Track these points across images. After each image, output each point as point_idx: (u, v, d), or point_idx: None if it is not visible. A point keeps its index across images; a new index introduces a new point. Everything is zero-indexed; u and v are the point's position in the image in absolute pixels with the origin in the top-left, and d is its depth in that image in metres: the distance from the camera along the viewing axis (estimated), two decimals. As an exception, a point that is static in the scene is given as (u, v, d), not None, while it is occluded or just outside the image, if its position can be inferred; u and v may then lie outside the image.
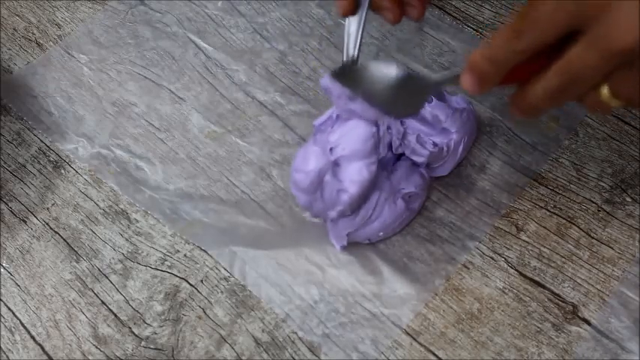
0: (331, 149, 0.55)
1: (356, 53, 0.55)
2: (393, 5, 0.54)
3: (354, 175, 0.54)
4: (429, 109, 0.60)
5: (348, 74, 0.52)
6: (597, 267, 0.57)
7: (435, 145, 0.59)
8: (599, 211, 0.60)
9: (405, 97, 0.50)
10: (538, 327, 0.55)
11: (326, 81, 0.55)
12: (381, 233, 0.58)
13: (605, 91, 0.44)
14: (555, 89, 0.45)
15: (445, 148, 0.59)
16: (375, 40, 0.70)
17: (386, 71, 0.50)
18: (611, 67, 0.43)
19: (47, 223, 0.61)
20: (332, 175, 0.55)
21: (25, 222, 0.61)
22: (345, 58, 0.55)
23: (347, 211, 0.56)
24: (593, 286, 0.56)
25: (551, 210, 0.60)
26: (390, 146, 0.59)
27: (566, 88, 0.44)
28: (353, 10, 0.54)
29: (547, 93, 0.45)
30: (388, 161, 0.59)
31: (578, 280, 0.57)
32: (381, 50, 0.70)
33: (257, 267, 0.58)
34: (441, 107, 0.60)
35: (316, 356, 0.54)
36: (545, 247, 0.58)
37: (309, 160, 0.55)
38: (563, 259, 0.58)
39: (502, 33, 0.44)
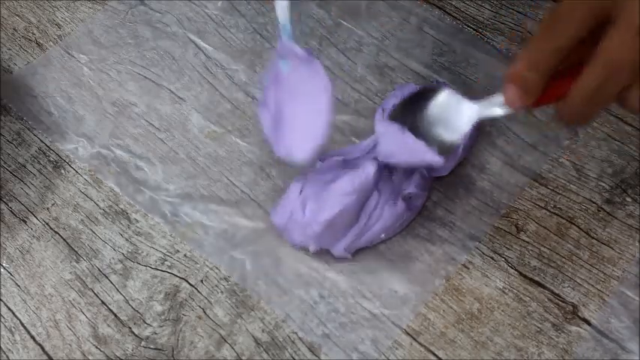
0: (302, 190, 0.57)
1: (287, 22, 0.55)
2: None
3: (319, 213, 0.56)
4: None
5: (401, 108, 0.55)
6: (597, 267, 0.57)
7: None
8: (599, 211, 0.60)
9: (451, 121, 0.52)
10: (538, 327, 0.55)
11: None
12: (383, 235, 0.58)
13: None
14: (596, 86, 0.43)
15: None
16: (375, 40, 0.70)
17: (433, 95, 0.53)
18: None
19: (47, 223, 0.61)
20: (301, 209, 0.56)
21: (25, 222, 0.61)
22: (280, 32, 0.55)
23: (321, 244, 0.57)
24: (593, 286, 0.56)
25: (551, 210, 0.60)
26: None
27: (606, 82, 0.43)
28: None
29: (588, 92, 0.44)
30: None
31: (578, 280, 0.57)
32: (381, 50, 0.70)
33: (257, 268, 0.58)
34: None
35: (316, 356, 0.54)
36: (545, 247, 0.58)
37: (283, 201, 0.58)
38: (563, 259, 0.58)
39: (536, 37, 0.44)
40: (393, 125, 0.55)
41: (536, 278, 0.57)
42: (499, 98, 0.48)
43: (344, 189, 0.55)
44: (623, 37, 0.42)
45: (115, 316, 0.57)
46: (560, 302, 0.56)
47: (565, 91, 0.45)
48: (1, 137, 0.66)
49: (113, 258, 0.59)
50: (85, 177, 0.63)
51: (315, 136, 0.54)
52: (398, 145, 0.55)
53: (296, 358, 0.54)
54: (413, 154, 0.54)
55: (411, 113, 0.54)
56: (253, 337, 0.55)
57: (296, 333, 0.55)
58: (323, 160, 0.62)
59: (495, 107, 0.49)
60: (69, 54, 0.71)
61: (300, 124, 0.55)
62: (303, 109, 0.55)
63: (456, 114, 0.52)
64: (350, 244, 0.57)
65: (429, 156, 0.53)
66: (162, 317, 0.56)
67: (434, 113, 0.53)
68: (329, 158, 0.61)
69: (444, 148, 0.53)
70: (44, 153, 0.65)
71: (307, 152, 0.55)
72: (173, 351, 0.55)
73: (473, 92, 0.66)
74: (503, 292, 0.57)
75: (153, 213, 0.61)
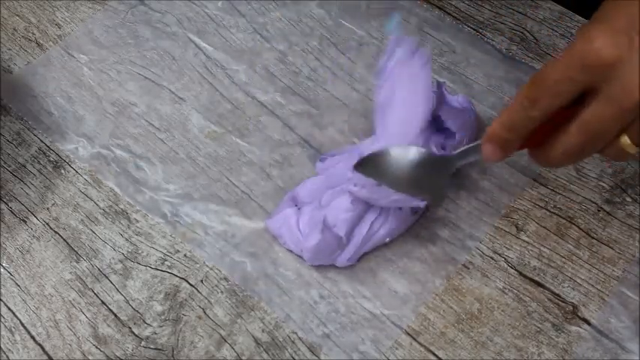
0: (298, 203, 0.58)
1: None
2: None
3: (308, 237, 0.56)
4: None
5: (370, 164, 0.54)
6: (597, 267, 0.57)
7: (436, 144, 0.59)
8: (599, 211, 0.60)
9: (429, 177, 0.53)
10: (538, 327, 0.55)
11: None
12: (388, 239, 0.58)
13: (624, 140, 0.46)
14: (575, 148, 0.47)
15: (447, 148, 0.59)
16: (375, 40, 0.70)
17: (406, 155, 0.53)
18: (629, 119, 0.44)
19: (47, 223, 0.61)
20: (295, 223, 0.57)
21: (25, 222, 0.61)
22: None
23: (318, 262, 0.57)
24: (593, 286, 0.56)
25: (551, 210, 0.60)
26: None
27: (585, 146, 0.46)
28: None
29: (567, 152, 0.47)
30: None
31: (578, 280, 0.57)
32: (381, 50, 0.70)
33: (257, 269, 0.58)
34: (443, 107, 0.60)
35: (316, 356, 0.54)
36: (545, 247, 0.58)
37: (278, 209, 0.59)
38: (563, 259, 0.58)
39: (517, 102, 0.46)
40: (367, 179, 0.54)
41: (536, 278, 0.57)
42: (472, 148, 0.51)
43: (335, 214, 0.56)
44: (606, 109, 0.44)
45: (115, 316, 0.57)
46: (560, 302, 0.56)
47: (539, 140, 0.48)
48: (1, 137, 0.66)
49: (113, 258, 0.59)
50: (85, 177, 0.63)
51: (414, 127, 0.56)
52: (379, 194, 0.55)
53: (296, 358, 0.54)
54: (397, 202, 0.55)
55: (378, 169, 0.54)
56: (253, 337, 0.55)
57: (296, 333, 0.55)
58: (323, 160, 0.62)
59: (470, 157, 0.52)
60: (69, 54, 0.71)
61: (403, 111, 0.57)
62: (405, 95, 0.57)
63: (432, 168, 0.53)
64: (353, 255, 0.57)
65: (415, 202, 0.55)
66: (162, 317, 0.56)
67: (407, 172, 0.53)
68: (329, 158, 0.61)
69: (430, 197, 0.55)
70: (44, 153, 0.65)
71: (407, 140, 0.56)
72: (173, 351, 0.55)
73: (473, 92, 0.66)
74: (503, 292, 0.57)
75: (153, 213, 0.61)
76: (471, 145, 0.51)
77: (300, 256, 0.58)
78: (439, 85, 0.62)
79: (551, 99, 0.45)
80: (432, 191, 0.55)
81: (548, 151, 0.48)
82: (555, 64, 0.45)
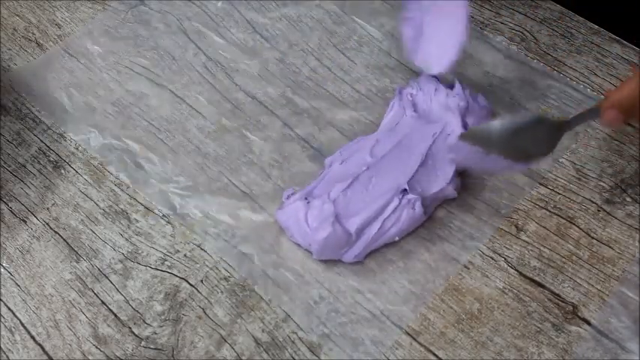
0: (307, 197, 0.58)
1: None
2: None
3: (317, 232, 0.56)
4: (452, 98, 0.61)
5: (477, 134, 0.54)
6: (597, 267, 0.57)
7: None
8: (599, 211, 0.60)
9: (539, 142, 0.54)
10: (538, 327, 0.55)
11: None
12: (397, 238, 0.58)
13: None
14: None
15: None
16: (375, 40, 0.70)
17: (517, 122, 0.53)
18: None
19: (47, 223, 0.61)
20: (304, 216, 0.57)
21: (25, 222, 0.61)
22: None
23: (325, 257, 0.57)
24: (593, 286, 0.56)
25: (551, 210, 0.60)
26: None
27: None
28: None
29: None
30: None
31: (578, 280, 0.57)
32: (381, 50, 0.70)
33: (260, 267, 0.58)
34: (462, 97, 0.61)
35: (316, 356, 0.54)
36: (545, 247, 0.58)
37: (288, 202, 0.59)
38: (563, 259, 0.58)
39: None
40: (473, 147, 0.55)
41: (536, 278, 0.57)
42: (588, 113, 0.53)
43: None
44: None
45: (115, 316, 0.57)
46: (560, 302, 0.56)
47: None
48: (1, 137, 0.66)
49: (113, 258, 0.59)
50: (85, 177, 0.63)
51: (450, 53, 0.60)
52: (485, 162, 0.55)
53: (296, 358, 0.54)
54: (504, 169, 0.57)
55: (487, 138, 0.54)
56: (253, 337, 0.55)
57: (296, 333, 0.55)
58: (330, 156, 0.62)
59: (583, 121, 0.53)
60: (69, 54, 0.71)
61: (438, 38, 0.61)
62: (441, 24, 0.60)
63: (544, 133, 0.54)
64: (361, 252, 0.57)
65: (520, 167, 0.58)
66: (162, 317, 0.56)
67: (518, 139, 0.54)
68: (338, 153, 0.62)
69: (537, 161, 0.57)
70: (44, 153, 0.65)
71: (443, 67, 0.62)
72: (173, 351, 0.55)
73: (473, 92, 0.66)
74: (503, 292, 0.57)
75: (154, 212, 0.61)
76: (588, 109, 0.52)
77: (305, 253, 0.58)
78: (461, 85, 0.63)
79: None
80: (540, 155, 0.55)
81: None
82: None
